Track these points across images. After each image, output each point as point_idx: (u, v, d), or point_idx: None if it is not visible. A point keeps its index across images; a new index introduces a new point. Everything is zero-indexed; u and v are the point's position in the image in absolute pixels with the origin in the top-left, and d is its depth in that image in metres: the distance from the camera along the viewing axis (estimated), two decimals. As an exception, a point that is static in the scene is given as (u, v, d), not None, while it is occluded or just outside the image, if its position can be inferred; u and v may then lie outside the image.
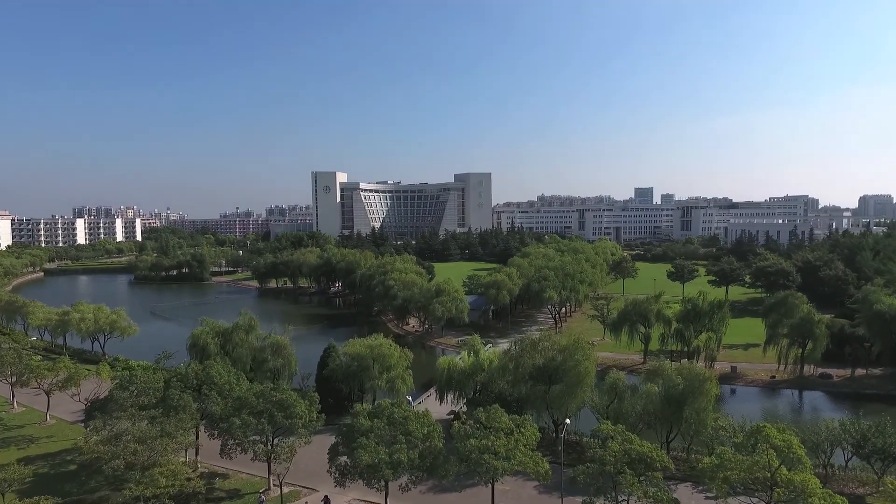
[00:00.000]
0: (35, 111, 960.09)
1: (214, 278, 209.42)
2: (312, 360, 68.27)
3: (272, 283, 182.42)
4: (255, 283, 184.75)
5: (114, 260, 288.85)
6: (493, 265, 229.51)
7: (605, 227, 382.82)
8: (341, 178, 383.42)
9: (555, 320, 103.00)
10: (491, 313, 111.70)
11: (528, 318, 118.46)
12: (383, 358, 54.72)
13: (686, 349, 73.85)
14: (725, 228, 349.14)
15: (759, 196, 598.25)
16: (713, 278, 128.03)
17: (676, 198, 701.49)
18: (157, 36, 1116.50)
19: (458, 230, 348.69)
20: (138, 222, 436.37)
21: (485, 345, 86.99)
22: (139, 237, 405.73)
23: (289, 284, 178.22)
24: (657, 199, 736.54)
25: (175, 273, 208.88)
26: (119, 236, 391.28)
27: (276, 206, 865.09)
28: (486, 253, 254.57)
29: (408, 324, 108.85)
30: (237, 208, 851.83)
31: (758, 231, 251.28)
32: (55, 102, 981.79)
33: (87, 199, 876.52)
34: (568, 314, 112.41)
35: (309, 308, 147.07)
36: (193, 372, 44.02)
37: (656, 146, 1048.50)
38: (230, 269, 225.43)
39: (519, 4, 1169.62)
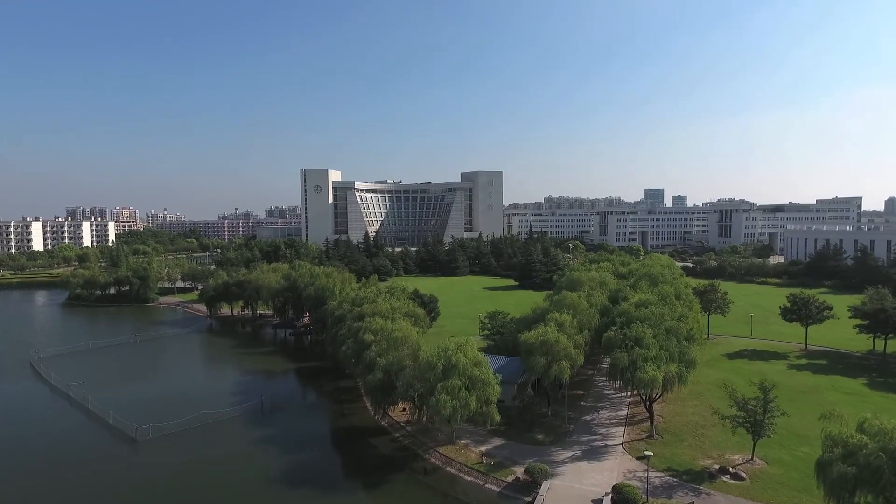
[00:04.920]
0: (28, 110, 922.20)
1: (164, 298, 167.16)
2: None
3: (227, 309, 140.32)
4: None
5: (70, 270, 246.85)
6: (511, 282, 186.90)
7: (630, 233, 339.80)
8: (334, 176, 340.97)
9: (646, 408, 59.49)
10: (532, 386, 68.70)
11: (586, 386, 75.52)
12: None
13: None
14: (770, 234, 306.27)
15: (776, 199, 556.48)
16: (861, 322, 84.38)
17: (689, 200, 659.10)
18: (155, 34, 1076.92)
19: (466, 235, 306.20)
20: (111, 225, 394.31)
21: (535, 482, 42.96)
22: (112, 242, 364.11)
23: (248, 311, 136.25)
24: (668, 202, 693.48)
25: (114, 291, 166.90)
26: (87, 241, 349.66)
27: (276, 208, 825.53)
28: (500, 265, 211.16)
29: (396, 405, 65.57)
30: (236, 209, 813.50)
31: (827, 240, 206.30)
32: (50, 101, 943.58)
33: (86, 201, 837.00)
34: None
35: (264, 354, 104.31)
36: None
37: (659, 147, 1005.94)
38: (189, 284, 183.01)
39: (517, 3, 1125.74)
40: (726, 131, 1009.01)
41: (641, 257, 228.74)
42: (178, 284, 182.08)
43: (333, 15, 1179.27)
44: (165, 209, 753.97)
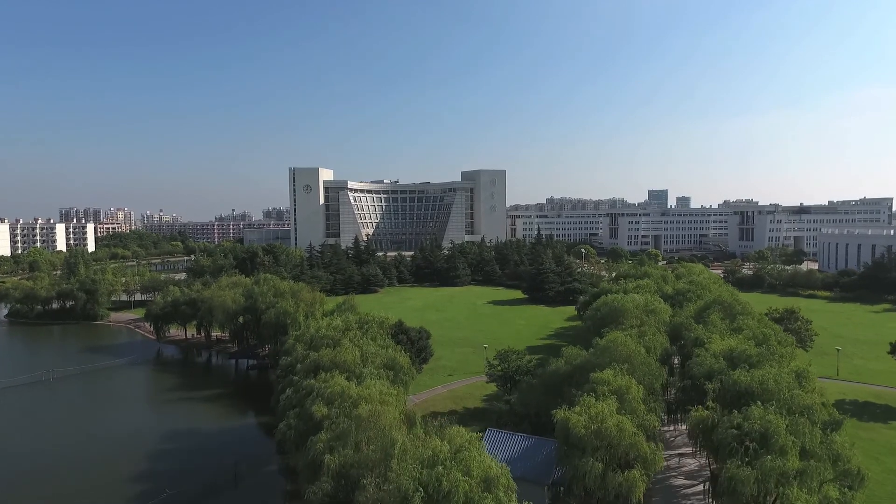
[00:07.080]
0: (25, 110, 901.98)
1: (118, 314, 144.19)
2: None
3: (179, 331, 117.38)
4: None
5: (14, 279, 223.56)
6: (519, 294, 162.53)
7: (643, 236, 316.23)
8: (326, 175, 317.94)
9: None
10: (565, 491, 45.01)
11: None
12: None
13: None
14: (795, 238, 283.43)
15: (777, 200, 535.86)
16: None
17: (693, 201, 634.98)
18: (155, 33, 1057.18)
19: (467, 238, 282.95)
20: (90, 227, 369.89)
21: None
22: (91, 246, 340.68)
23: (203, 335, 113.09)
24: (672, 202, 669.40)
25: (57, 307, 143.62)
26: (61, 245, 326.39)
27: (273, 209, 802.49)
28: (506, 274, 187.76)
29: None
30: (233, 210, 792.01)
31: (872, 245, 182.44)
32: (46, 101, 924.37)
33: (83, 202, 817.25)
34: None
35: (211, 399, 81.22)
36: None
37: (660, 148, 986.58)
38: (150, 297, 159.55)
39: (517, 2, 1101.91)
40: (727, 131, 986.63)
41: (661, 262, 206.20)
42: (138, 297, 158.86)
43: (333, 14, 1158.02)
44: (161, 210, 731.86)
